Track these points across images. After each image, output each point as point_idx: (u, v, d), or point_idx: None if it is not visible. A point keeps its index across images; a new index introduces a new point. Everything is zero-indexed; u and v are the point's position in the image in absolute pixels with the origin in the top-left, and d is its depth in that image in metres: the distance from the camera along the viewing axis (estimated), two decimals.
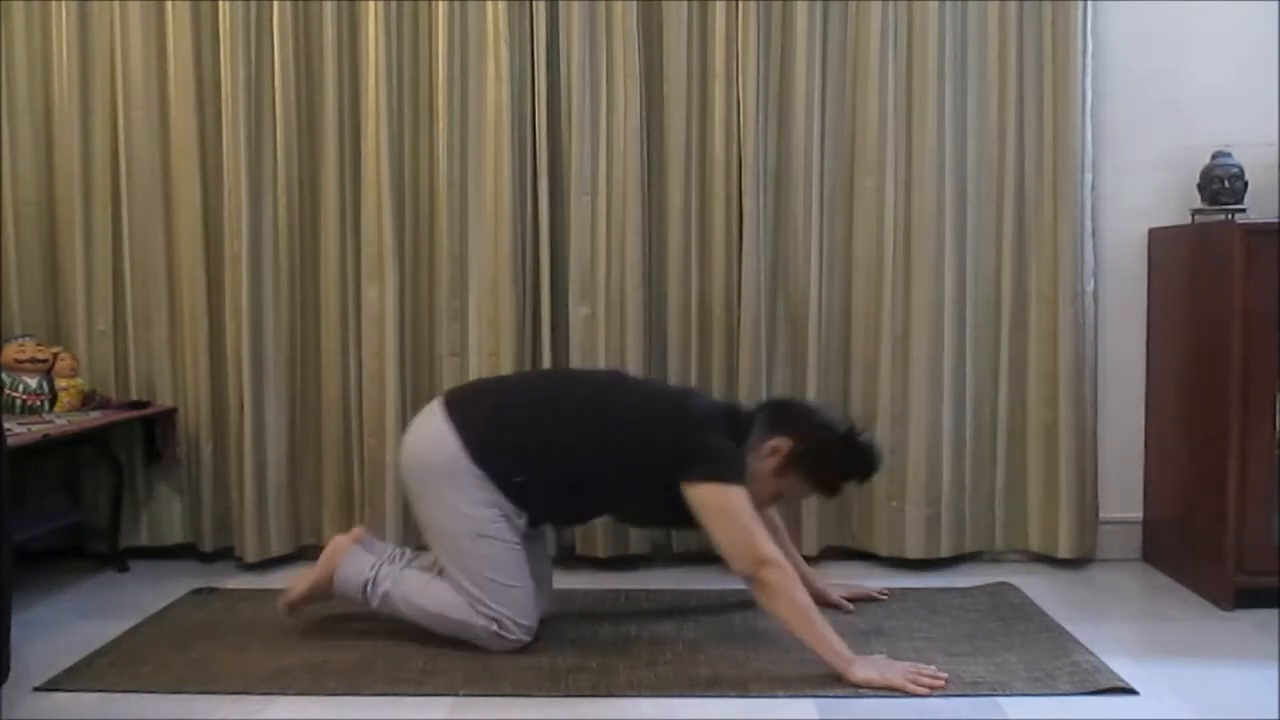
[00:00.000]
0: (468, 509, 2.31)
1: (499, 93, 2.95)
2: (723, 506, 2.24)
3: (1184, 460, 2.88)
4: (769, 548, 2.22)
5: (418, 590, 2.37)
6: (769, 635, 2.44)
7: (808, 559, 2.98)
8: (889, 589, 2.76)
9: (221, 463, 3.08)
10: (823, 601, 2.62)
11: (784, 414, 2.45)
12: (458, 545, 2.33)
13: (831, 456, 2.40)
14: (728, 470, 2.27)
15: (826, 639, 2.20)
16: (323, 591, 2.45)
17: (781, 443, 2.36)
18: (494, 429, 2.37)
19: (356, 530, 2.57)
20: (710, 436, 2.33)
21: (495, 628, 2.31)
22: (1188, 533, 2.85)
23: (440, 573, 2.39)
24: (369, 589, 2.38)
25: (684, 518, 2.29)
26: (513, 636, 2.32)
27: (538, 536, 2.53)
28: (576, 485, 2.36)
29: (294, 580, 2.52)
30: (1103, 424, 3.04)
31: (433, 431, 2.37)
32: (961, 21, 2.97)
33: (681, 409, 2.42)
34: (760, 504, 2.33)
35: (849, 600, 2.66)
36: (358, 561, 2.42)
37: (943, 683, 2.17)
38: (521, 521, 2.35)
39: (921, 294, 2.97)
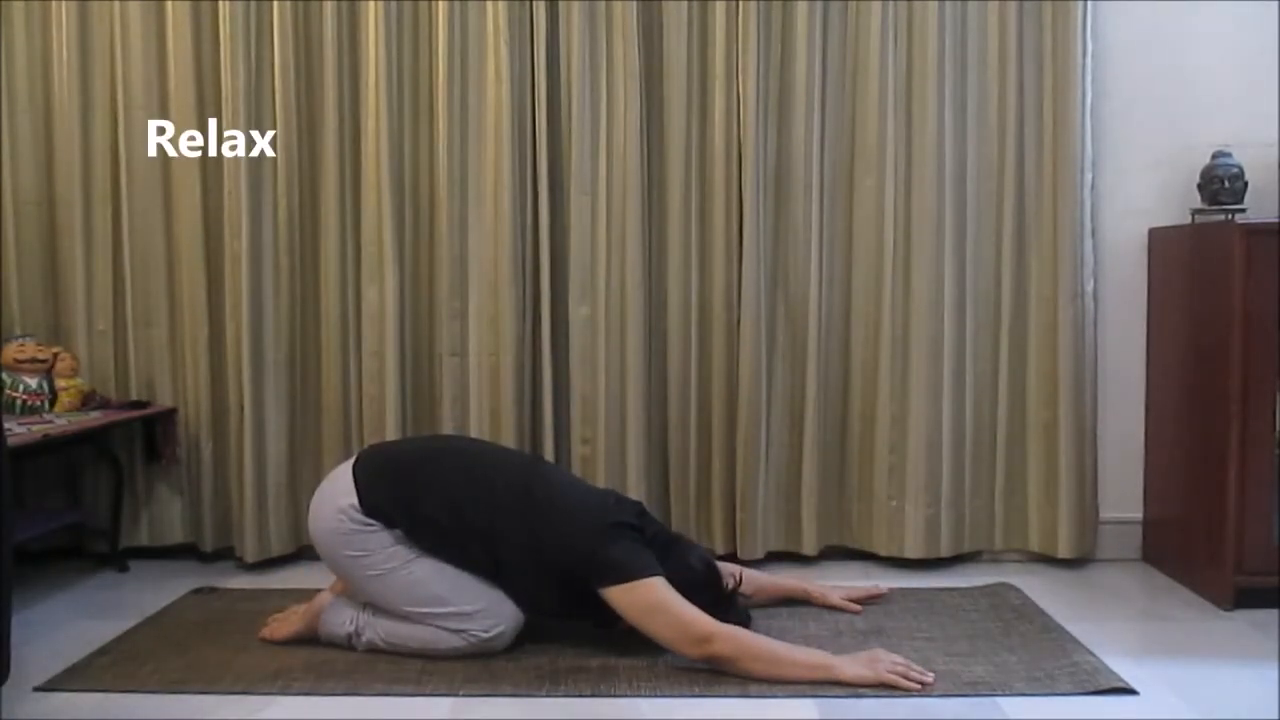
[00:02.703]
0: (372, 555, 2.31)
1: (499, 93, 2.95)
2: (645, 603, 2.22)
3: (1184, 460, 2.88)
4: (704, 623, 2.19)
5: (397, 631, 2.36)
6: (769, 635, 2.45)
7: (807, 559, 3.00)
8: (890, 588, 2.76)
9: (221, 463, 3.08)
10: (824, 605, 2.64)
11: (674, 551, 2.37)
12: (386, 586, 2.32)
13: (705, 606, 2.29)
14: (639, 568, 2.24)
15: (800, 663, 2.21)
16: (307, 636, 2.43)
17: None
18: (389, 482, 2.37)
19: (339, 583, 2.54)
20: (618, 543, 2.28)
21: (475, 638, 2.30)
22: (1188, 533, 2.85)
23: None
24: (353, 640, 2.37)
25: (598, 612, 2.28)
26: (494, 633, 2.31)
27: None
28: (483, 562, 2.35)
29: (279, 618, 2.50)
30: (1103, 424, 3.04)
31: (334, 490, 2.37)
32: (961, 22, 2.97)
33: (592, 518, 2.34)
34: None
35: (853, 601, 2.65)
36: (339, 614, 2.40)
37: (931, 680, 2.18)
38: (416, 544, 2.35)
39: (921, 294, 2.97)
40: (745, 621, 2.37)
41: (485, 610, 2.32)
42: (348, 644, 2.38)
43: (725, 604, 2.32)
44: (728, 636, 2.21)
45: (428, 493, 2.36)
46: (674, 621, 2.21)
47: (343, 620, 2.39)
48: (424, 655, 2.33)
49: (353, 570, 2.35)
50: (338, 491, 2.37)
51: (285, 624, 2.47)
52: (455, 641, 2.31)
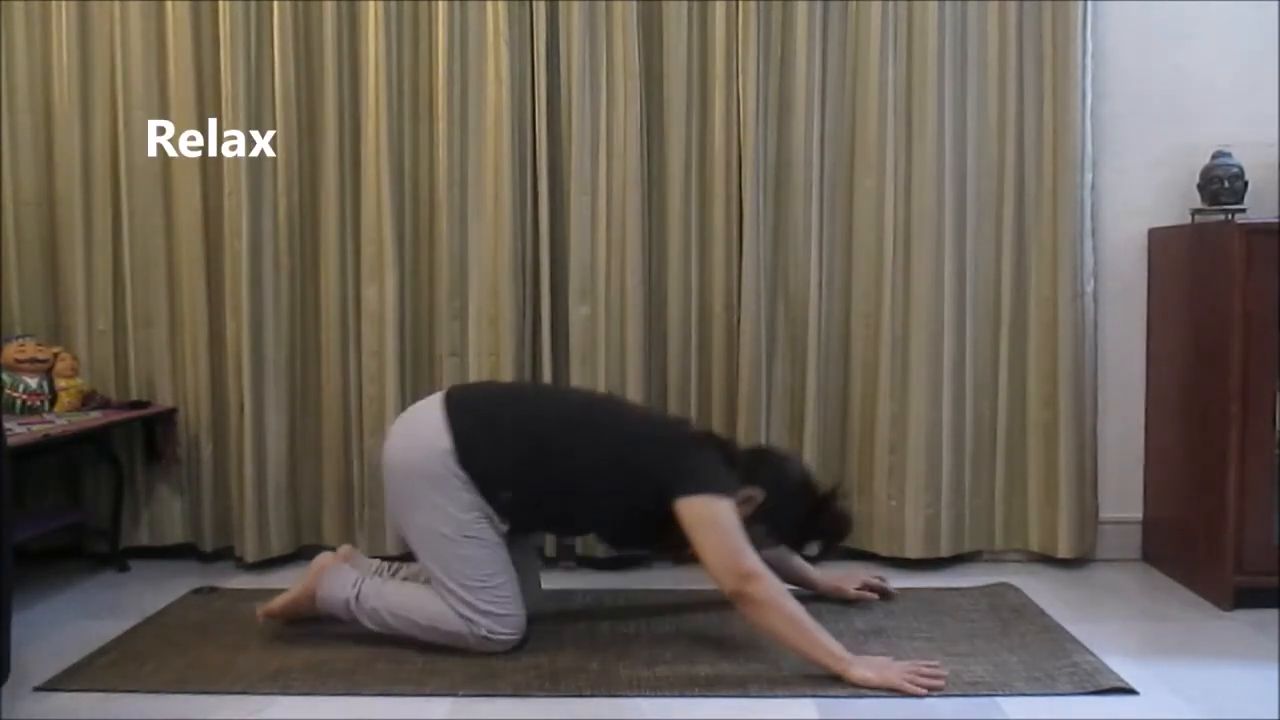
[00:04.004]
0: (452, 510, 2.30)
1: (499, 93, 2.95)
2: (709, 518, 2.23)
3: (1184, 460, 2.88)
4: (753, 561, 2.20)
5: (404, 602, 2.36)
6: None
7: (807, 559, 2.98)
8: (880, 575, 2.78)
9: (221, 463, 3.08)
10: (839, 597, 2.65)
11: (764, 464, 2.44)
12: (441, 546, 2.31)
13: (799, 517, 2.40)
14: (717, 484, 2.26)
15: (820, 643, 2.20)
16: (304, 608, 2.43)
17: (755, 493, 2.34)
18: (488, 436, 2.34)
19: (345, 549, 2.57)
20: (701, 454, 2.33)
21: (483, 633, 2.30)
22: (1188, 533, 2.85)
23: (426, 582, 2.38)
24: (353, 604, 2.37)
25: (668, 539, 2.29)
26: (500, 638, 2.31)
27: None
28: (564, 500, 2.35)
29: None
30: (1103, 424, 3.04)
31: (427, 426, 2.35)
32: (961, 22, 2.97)
33: (674, 431, 2.43)
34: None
35: (868, 590, 2.68)
36: (341, 577, 2.41)
37: (942, 681, 2.17)
38: (505, 526, 2.35)
39: (921, 294, 2.97)
40: (845, 526, 2.40)
41: (509, 617, 2.32)
42: (345, 610, 2.37)
43: (823, 507, 2.36)
44: (769, 584, 2.19)
45: (518, 440, 2.34)
46: (724, 546, 2.20)
47: (344, 583, 2.38)
48: (418, 631, 2.32)
49: (424, 517, 2.30)
50: (433, 432, 2.31)
51: (281, 596, 2.47)
52: (460, 628, 2.30)
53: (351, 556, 2.57)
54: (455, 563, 2.30)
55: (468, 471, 2.29)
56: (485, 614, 2.30)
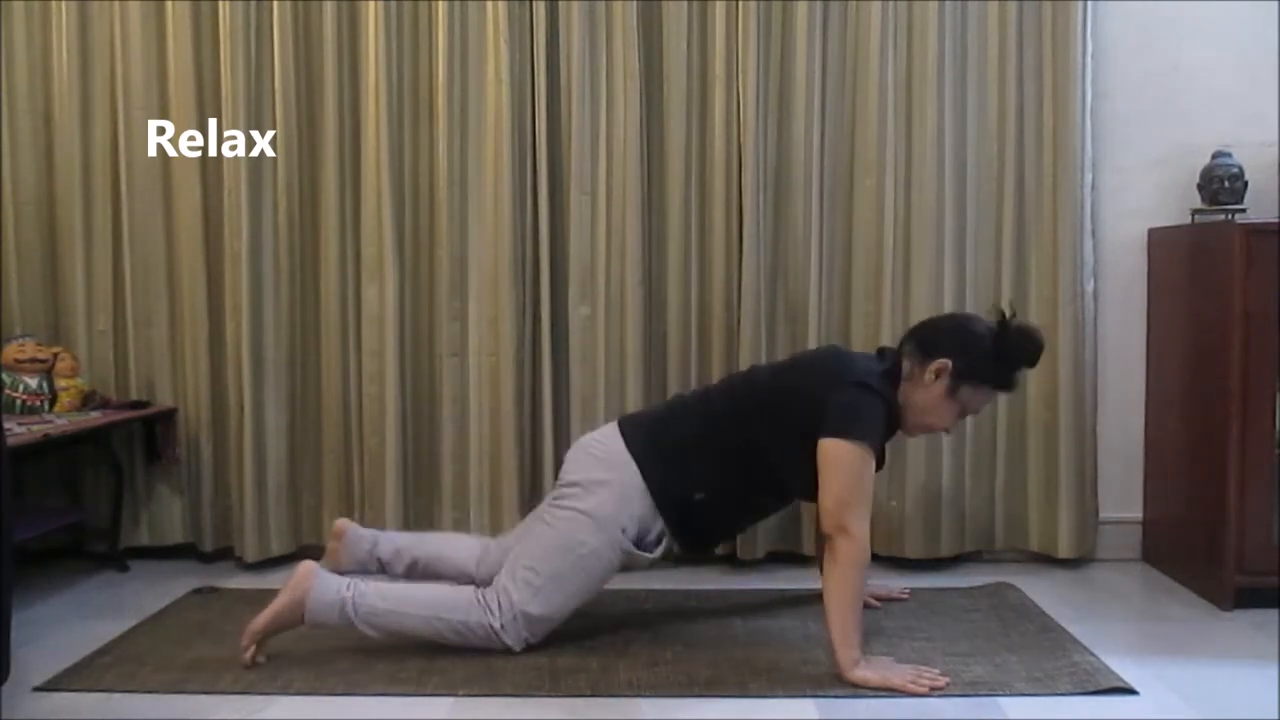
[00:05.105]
0: (622, 520, 2.30)
1: (499, 93, 2.95)
2: (842, 461, 2.22)
3: (1184, 460, 2.88)
4: (860, 522, 2.20)
5: (408, 592, 2.35)
6: (769, 635, 2.45)
7: (808, 560, 2.99)
8: (907, 589, 2.77)
9: (221, 463, 3.08)
10: None
11: (934, 335, 2.40)
12: (570, 542, 2.30)
13: (993, 357, 2.35)
14: (858, 431, 2.24)
15: (849, 629, 2.19)
16: (290, 619, 2.29)
17: (942, 364, 2.32)
18: (664, 432, 2.39)
19: (340, 524, 2.55)
20: (855, 395, 2.29)
21: (499, 624, 2.28)
22: (1188, 533, 2.85)
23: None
24: (348, 606, 2.27)
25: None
26: (509, 641, 2.30)
27: None
28: (743, 463, 2.34)
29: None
30: (1103, 424, 3.04)
31: (611, 450, 2.37)
32: (961, 21, 2.97)
33: (830, 368, 2.39)
34: (947, 425, 2.41)
35: (874, 599, 2.66)
36: (329, 581, 2.32)
37: (943, 684, 2.17)
38: (656, 553, 2.37)
39: (921, 294, 2.97)
40: (1032, 340, 2.36)
41: (542, 623, 2.30)
42: (338, 612, 2.27)
43: (1007, 337, 2.34)
44: (859, 549, 2.20)
45: (686, 425, 2.40)
46: (842, 493, 2.21)
47: (337, 585, 2.30)
48: (419, 621, 2.29)
49: (569, 527, 2.31)
50: (634, 489, 2.33)
51: (264, 613, 2.31)
52: (474, 617, 2.28)
53: (345, 532, 2.54)
54: (562, 563, 2.30)
55: (654, 493, 2.32)
56: (522, 613, 2.28)
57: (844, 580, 2.19)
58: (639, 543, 2.35)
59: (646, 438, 2.38)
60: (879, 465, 2.34)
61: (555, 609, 2.31)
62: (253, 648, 2.29)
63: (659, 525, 2.36)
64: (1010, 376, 2.39)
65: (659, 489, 2.33)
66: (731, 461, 2.35)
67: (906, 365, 2.37)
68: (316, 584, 2.30)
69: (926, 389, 2.34)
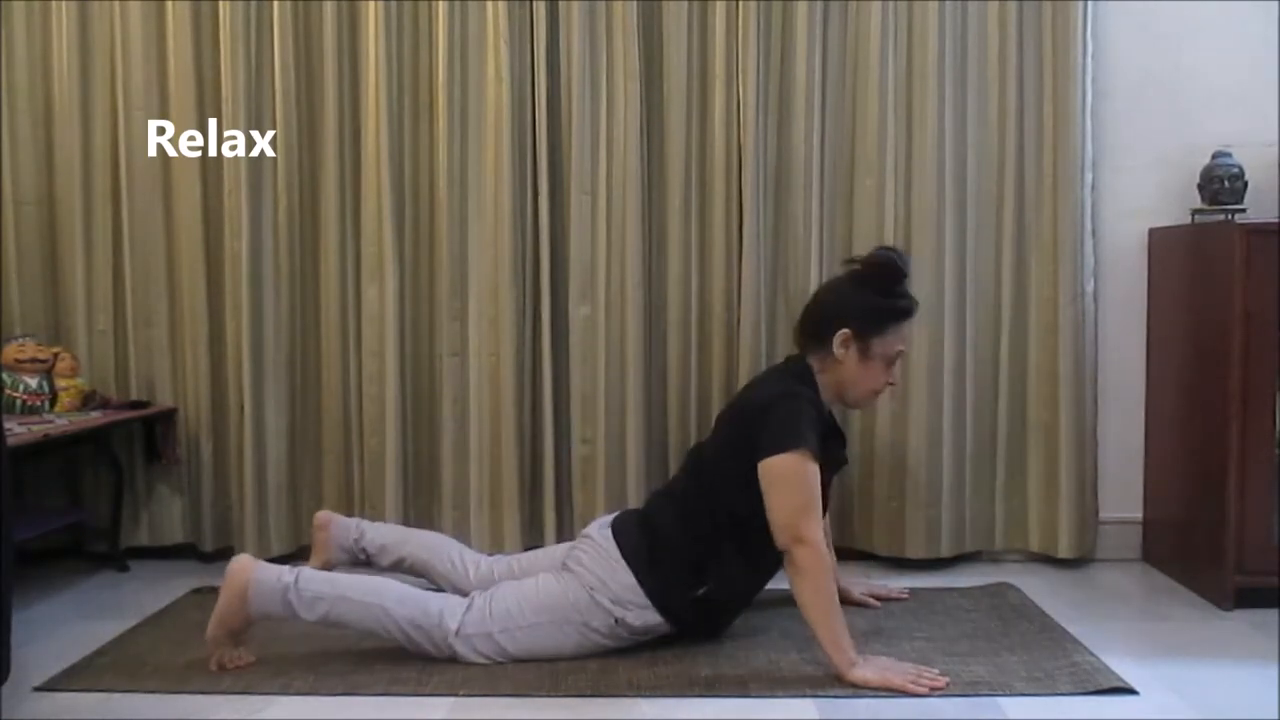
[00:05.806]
0: (610, 606, 2.29)
1: (499, 93, 2.95)
2: (785, 474, 2.21)
3: (1184, 460, 2.88)
4: (813, 528, 2.19)
5: (362, 581, 2.30)
6: (769, 635, 2.45)
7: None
8: (907, 589, 2.77)
9: (221, 463, 3.08)
10: (846, 600, 2.63)
11: (817, 318, 2.40)
12: (560, 608, 2.29)
13: (875, 295, 2.36)
14: (790, 440, 2.22)
15: (836, 634, 2.19)
16: (236, 617, 2.25)
17: (843, 334, 2.33)
18: (650, 534, 2.37)
19: (321, 515, 2.56)
20: (776, 407, 2.28)
21: (451, 639, 2.25)
22: (1188, 533, 2.85)
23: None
24: (290, 593, 2.23)
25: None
26: (458, 649, 2.26)
27: None
28: (732, 537, 2.32)
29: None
30: (1103, 424, 3.04)
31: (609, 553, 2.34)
32: (961, 21, 2.97)
33: (749, 403, 2.38)
34: (884, 381, 2.39)
35: (874, 598, 2.67)
36: (270, 569, 2.27)
37: (943, 684, 2.17)
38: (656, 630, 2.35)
39: (921, 294, 2.93)
40: (887, 261, 2.37)
41: (497, 653, 2.28)
42: (281, 599, 2.22)
43: (872, 276, 2.36)
44: (818, 554, 2.18)
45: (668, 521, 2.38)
46: (790, 504, 2.20)
47: (279, 573, 2.26)
48: (364, 610, 2.24)
49: (562, 599, 2.30)
50: (623, 580, 2.31)
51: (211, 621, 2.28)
52: (430, 621, 2.24)
53: (330, 523, 2.53)
54: (538, 618, 2.29)
55: (653, 598, 2.30)
56: (486, 637, 2.26)
57: (816, 589, 2.19)
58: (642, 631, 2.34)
59: (638, 544, 2.35)
60: (830, 462, 2.34)
61: (520, 653, 2.29)
62: (219, 654, 2.27)
63: (665, 628, 2.35)
64: (900, 302, 2.39)
65: (662, 603, 2.31)
66: (723, 540, 2.33)
67: (814, 362, 2.38)
68: (258, 573, 2.27)
69: (844, 364, 2.35)
